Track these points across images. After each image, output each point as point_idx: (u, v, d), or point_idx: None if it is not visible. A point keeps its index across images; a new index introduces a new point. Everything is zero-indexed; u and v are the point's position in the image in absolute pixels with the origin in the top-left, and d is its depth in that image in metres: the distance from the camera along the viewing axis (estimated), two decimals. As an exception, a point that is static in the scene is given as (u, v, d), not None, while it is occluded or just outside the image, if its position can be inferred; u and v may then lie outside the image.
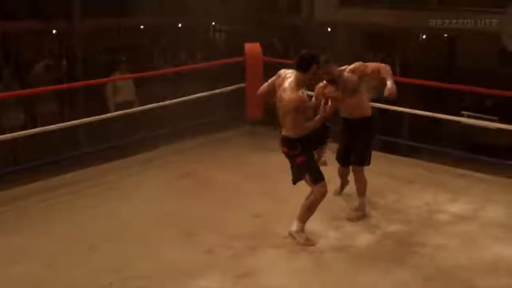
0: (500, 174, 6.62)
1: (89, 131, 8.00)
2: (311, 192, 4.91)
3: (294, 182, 5.04)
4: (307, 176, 4.89)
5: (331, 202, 5.53)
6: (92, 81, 8.03)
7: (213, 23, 12.85)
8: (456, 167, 6.90)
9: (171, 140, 7.71)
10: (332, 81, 5.22)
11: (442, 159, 7.12)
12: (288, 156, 4.96)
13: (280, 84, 4.84)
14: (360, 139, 5.41)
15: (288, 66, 5.04)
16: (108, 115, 7.41)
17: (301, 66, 4.71)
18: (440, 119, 7.52)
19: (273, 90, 4.94)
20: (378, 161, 6.02)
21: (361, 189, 5.48)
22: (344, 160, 5.60)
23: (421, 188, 6.23)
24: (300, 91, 4.70)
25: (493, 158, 7.07)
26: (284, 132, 4.90)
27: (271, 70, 8.60)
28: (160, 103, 7.37)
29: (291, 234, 4.93)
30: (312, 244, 4.92)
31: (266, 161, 6.95)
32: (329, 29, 11.00)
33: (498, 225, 5.41)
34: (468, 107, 9.62)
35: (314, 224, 5.25)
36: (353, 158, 5.47)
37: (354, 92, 5.25)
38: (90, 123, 6.87)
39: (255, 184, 6.21)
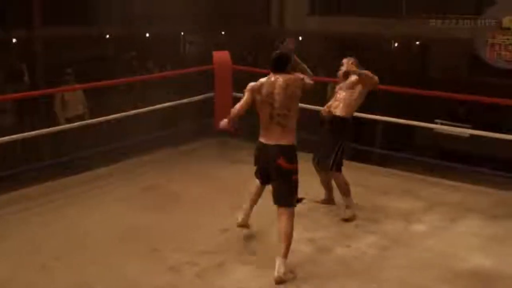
0: (475, 182, 6.51)
1: (48, 144, 7.65)
2: (286, 218, 4.45)
3: (278, 203, 4.54)
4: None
5: (302, 215, 5.30)
6: (37, 92, 7.65)
7: (182, 33, 12.60)
8: (430, 175, 6.77)
9: (137, 152, 7.42)
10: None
11: (415, 168, 6.97)
12: (281, 171, 4.46)
13: (271, 91, 4.48)
14: (327, 141, 5.45)
15: (257, 75, 4.84)
16: (69, 125, 7.09)
17: (285, 65, 4.55)
18: (413, 129, 7.38)
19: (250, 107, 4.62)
20: (351, 171, 5.86)
21: (342, 191, 5.49)
22: (314, 161, 5.57)
23: (396, 198, 6.05)
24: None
25: (467, 166, 6.96)
26: (280, 141, 4.46)
27: (240, 79, 8.57)
28: (122, 114, 7.06)
29: (280, 281, 4.32)
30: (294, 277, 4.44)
31: (235, 173, 6.69)
32: (300, 38, 10.86)
33: (475, 235, 5.24)
34: (441, 116, 9.52)
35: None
36: (320, 162, 5.50)
37: (350, 88, 5.46)
38: (50, 135, 6.54)
39: (224, 197, 5.93)
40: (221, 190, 6.14)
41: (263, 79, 4.58)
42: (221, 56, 7.78)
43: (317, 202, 5.77)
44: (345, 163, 5.70)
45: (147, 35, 10.99)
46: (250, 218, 5.02)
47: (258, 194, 4.98)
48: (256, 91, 4.55)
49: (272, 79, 4.52)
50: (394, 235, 5.20)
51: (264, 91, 4.50)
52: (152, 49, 11.07)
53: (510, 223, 5.50)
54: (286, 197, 4.51)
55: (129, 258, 4.72)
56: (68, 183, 6.41)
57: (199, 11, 11.25)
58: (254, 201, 4.99)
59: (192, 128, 8.48)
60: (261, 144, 4.57)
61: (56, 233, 5.15)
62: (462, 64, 10.06)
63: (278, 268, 4.34)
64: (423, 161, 7.40)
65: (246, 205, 4.99)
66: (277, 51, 4.65)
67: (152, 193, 6.14)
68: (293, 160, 4.49)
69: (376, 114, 7.41)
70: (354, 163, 6.80)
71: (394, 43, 10.28)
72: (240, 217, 4.97)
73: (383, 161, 7.68)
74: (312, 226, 5.26)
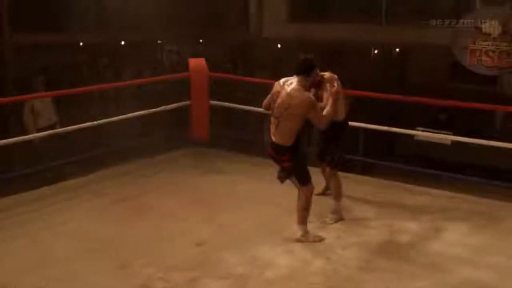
0: (460, 190, 6.32)
1: (17, 155, 7.33)
2: (300, 193, 4.92)
3: (281, 181, 5.02)
4: (293, 178, 4.92)
5: (279, 225, 5.08)
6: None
7: (159, 41, 12.33)
8: (413, 184, 6.57)
9: (111, 162, 7.15)
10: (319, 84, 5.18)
11: (398, 177, 6.79)
12: (273, 158, 4.94)
13: (279, 92, 4.79)
14: (331, 142, 5.48)
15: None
16: (38, 134, 6.79)
17: (305, 70, 4.70)
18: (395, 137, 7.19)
19: (273, 102, 4.90)
20: (332, 179, 5.61)
21: (335, 192, 5.52)
22: (320, 159, 5.71)
23: (378, 208, 5.83)
24: (308, 93, 4.73)
25: (452, 174, 6.79)
26: (276, 140, 4.82)
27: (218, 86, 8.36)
28: (94, 123, 6.73)
29: (299, 240, 4.92)
30: (322, 239, 4.99)
31: (211, 184, 6.45)
32: (279, 45, 10.69)
33: (462, 245, 5.03)
34: (422, 125, 9.35)
35: (262, 249, 4.79)
36: (327, 160, 5.57)
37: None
38: (18, 145, 6.24)
39: (199, 209, 5.66)
40: (195, 202, 5.87)
41: (285, 79, 4.84)
42: (197, 63, 7.53)
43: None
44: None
45: (122, 43, 10.71)
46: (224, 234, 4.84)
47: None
48: (273, 90, 4.92)
49: (289, 81, 4.76)
50: (377, 246, 4.96)
51: (275, 90, 4.87)
52: (128, 58, 10.81)
53: (496, 231, 5.32)
54: (282, 177, 4.97)
55: (98, 274, 4.45)
56: (36, 196, 6.10)
57: (177, 19, 11.04)
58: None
59: (168, 137, 8.22)
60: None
61: (22, 248, 4.87)
62: (443, 70, 9.92)
63: (296, 232, 4.94)
64: (406, 169, 7.21)
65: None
66: (304, 56, 4.82)
67: (123, 205, 5.85)
68: (280, 153, 4.82)
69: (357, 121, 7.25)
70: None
71: (374, 50, 10.12)
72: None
73: (365, 170, 7.49)
74: (290, 237, 5.01)
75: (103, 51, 10.49)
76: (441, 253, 4.86)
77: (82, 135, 7.41)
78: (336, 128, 5.36)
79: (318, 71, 4.94)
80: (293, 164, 4.84)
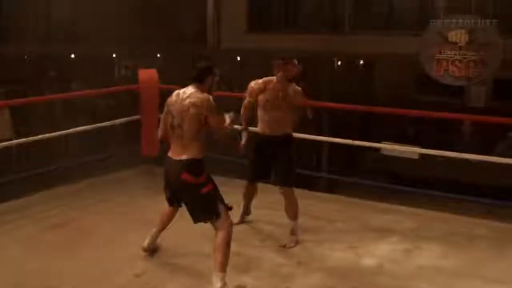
0: (430, 207, 5.93)
1: None
2: (219, 229, 4.07)
3: (200, 220, 4.19)
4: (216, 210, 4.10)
5: (232, 251, 4.50)
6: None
7: (114, 55, 11.79)
8: (381, 201, 6.15)
9: (52, 183, 6.49)
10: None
11: (364, 194, 6.38)
12: (188, 187, 4.10)
13: (174, 105, 4.20)
14: (283, 158, 5.01)
15: None
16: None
17: (198, 78, 4.18)
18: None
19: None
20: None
21: (293, 212, 5.02)
22: (258, 176, 5.17)
23: (343, 228, 5.38)
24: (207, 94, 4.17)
25: (421, 189, 6.38)
26: (182, 156, 4.11)
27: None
28: (34, 137, 6.14)
29: None
30: None
31: (160, 206, 5.83)
32: (238, 58, 10.26)
33: (435, 269, 4.58)
34: (389, 138, 9.01)
35: (211, 280, 4.19)
36: (280, 179, 5.03)
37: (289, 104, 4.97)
38: None
39: (141, 234, 5.01)
40: (141, 226, 5.25)
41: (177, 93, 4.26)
42: (148, 75, 6.97)
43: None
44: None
45: (73, 56, 10.15)
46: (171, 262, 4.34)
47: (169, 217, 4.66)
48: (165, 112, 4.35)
49: (182, 91, 4.23)
50: (342, 273, 4.47)
51: (170, 108, 4.29)
52: (80, 72, 10.27)
53: (472, 253, 4.90)
54: (206, 214, 4.14)
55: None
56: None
57: (133, 34, 10.60)
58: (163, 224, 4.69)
59: (119, 154, 7.68)
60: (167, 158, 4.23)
61: None
62: (409, 82, 9.61)
63: (215, 283, 3.95)
64: (372, 186, 6.81)
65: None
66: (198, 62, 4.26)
67: (59, 231, 5.19)
68: (197, 174, 4.10)
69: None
70: (297, 190, 6.07)
71: (337, 61, 9.76)
72: (146, 241, 4.66)
73: (329, 187, 7.07)
74: (241, 264, 4.47)
75: (53, 65, 9.94)
76: (413, 278, 4.41)
77: (31, 152, 6.83)
78: (287, 142, 5.04)
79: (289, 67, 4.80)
80: (213, 186, 4.14)
